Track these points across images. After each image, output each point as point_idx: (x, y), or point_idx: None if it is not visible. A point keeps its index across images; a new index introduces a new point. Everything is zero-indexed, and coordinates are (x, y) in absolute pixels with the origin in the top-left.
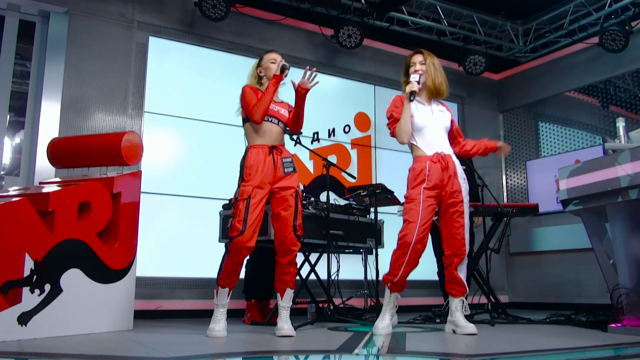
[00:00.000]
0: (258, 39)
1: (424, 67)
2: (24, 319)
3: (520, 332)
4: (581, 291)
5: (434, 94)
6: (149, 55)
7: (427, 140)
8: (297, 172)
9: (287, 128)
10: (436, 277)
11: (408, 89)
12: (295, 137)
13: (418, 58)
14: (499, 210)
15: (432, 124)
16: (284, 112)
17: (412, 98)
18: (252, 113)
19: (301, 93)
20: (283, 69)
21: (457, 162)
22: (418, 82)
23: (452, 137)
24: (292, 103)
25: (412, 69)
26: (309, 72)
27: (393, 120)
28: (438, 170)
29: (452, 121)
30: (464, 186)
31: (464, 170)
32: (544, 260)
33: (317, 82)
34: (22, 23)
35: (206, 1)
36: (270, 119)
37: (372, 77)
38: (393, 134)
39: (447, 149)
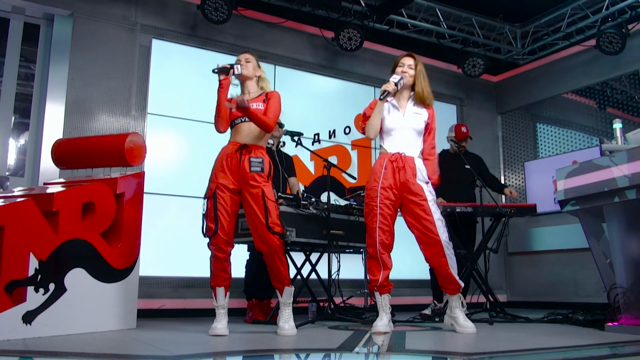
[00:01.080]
0: (259, 42)
1: (413, 72)
2: (28, 317)
3: (518, 331)
4: (578, 290)
5: (419, 101)
6: (152, 58)
7: (393, 140)
8: (266, 172)
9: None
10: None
11: (383, 87)
12: (296, 138)
13: (408, 61)
14: (498, 211)
15: (401, 127)
16: (257, 106)
17: (382, 97)
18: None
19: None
20: (221, 72)
21: (419, 165)
22: (396, 84)
23: (424, 139)
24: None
25: (399, 69)
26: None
27: (365, 118)
28: (393, 170)
29: (428, 125)
30: (426, 187)
31: (467, 170)
32: (542, 259)
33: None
34: (26, 26)
35: (208, 4)
36: (243, 120)
37: (372, 79)
38: (363, 131)
39: (411, 151)
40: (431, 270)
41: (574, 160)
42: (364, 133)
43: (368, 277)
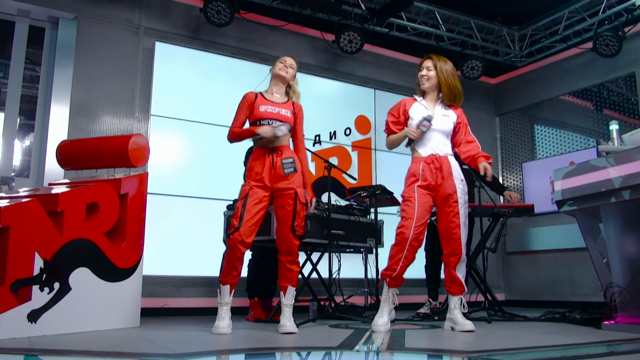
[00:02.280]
0: (261, 44)
1: (433, 73)
2: (33, 316)
3: (516, 329)
4: (575, 289)
5: (447, 101)
6: (155, 60)
7: (425, 142)
8: (299, 172)
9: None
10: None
11: (416, 122)
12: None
13: (427, 63)
14: (496, 211)
15: (433, 128)
16: (286, 113)
17: (423, 129)
18: (229, 132)
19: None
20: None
21: (453, 163)
22: (428, 123)
23: (457, 140)
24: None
25: (420, 72)
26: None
27: (391, 125)
28: (431, 170)
29: (457, 124)
30: (460, 187)
31: (466, 170)
32: (540, 259)
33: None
34: (32, 29)
35: (211, 7)
36: (270, 122)
37: (372, 81)
38: (387, 134)
39: (444, 151)
40: (426, 268)
41: (571, 161)
42: (387, 133)
43: (387, 265)
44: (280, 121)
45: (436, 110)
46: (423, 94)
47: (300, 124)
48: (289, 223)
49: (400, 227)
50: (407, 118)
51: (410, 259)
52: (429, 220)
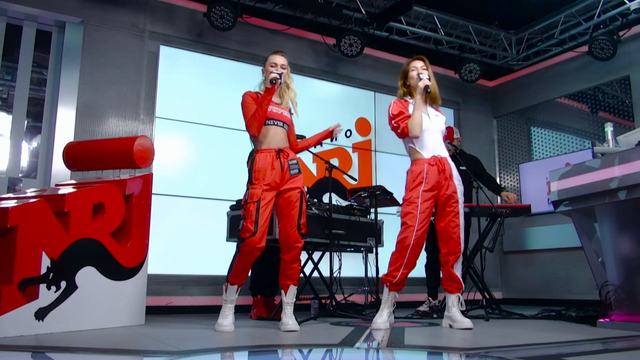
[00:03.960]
0: (264, 48)
1: (428, 73)
2: (41, 314)
3: (513, 327)
4: (571, 288)
5: (431, 101)
6: (159, 64)
7: (425, 143)
8: (302, 172)
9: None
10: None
11: (422, 83)
12: (298, 140)
13: (419, 64)
14: (493, 211)
15: (430, 128)
16: (287, 114)
17: (429, 91)
18: (248, 126)
19: (328, 137)
20: (272, 82)
21: (452, 164)
22: (429, 79)
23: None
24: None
25: (414, 72)
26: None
27: (404, 117)
28: (435, 173)
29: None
30: (459, 188)
31: (462, 171)
32: (536, 258)
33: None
34: (39, 33)
35: (214, 12)
36: (275, 122)
37: (372, 84)
38: (404, 129)
39: (443, 152)
40: (426, 267)
41: (567, 162)
42: (401, 132)
43: (387, 271)
44: (284, 122)
45: (430, 112)
46: (408, 94)
47: (293, 123)
48: (295, 221)
49: (401, 234)
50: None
51: (411, 266)
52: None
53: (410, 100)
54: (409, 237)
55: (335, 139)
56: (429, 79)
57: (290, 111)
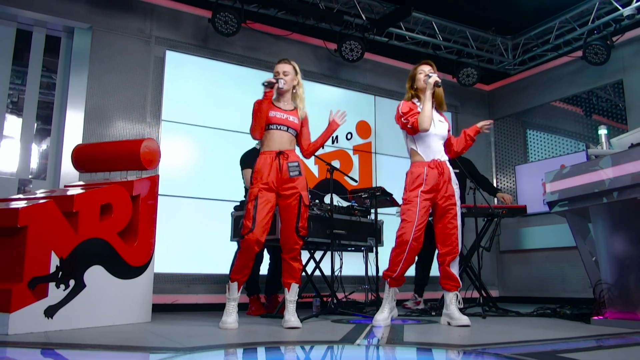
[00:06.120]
0: (267, 53)
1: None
2: (50, 312)
3: (509, 324)
4: (566, 286)
5: (437, 106)
6: (165, 68)
7: (426, 146)
8: (303, 175)
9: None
10: (431, 273)
11: (432, 80)
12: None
13: (427, 68)
14: (490, 211)
15: (433, 133)
16: (293, 119)
17: (439, 84)
18: (250, 130)
19: (334, 127)
20: (269, 86)
21: (451, 168)
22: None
23: (447, 145)
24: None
25: (421, 75)
26: (340, 113)
27: (414, 113)
28: (435, 175)
29: (448, 131)
30: (457, 190)
31: (456, 173)
32: (532, 257)
33: (344, 121)
34: (48, 38)
35: (219, 18)
36: (279, 127)
37: (372, 88)
38: (414, 124)
39: (443, 156)
40: (417, 265)
41: (561, 164)
42: (411, 127)
43: (387, 266)
44: (289, 127)
45: (435, 117)
46: (415, 97)
47: (307, 134)
48: (293, 224)
49: (400, 230)
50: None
51: (410, 261)
52: None
53: (418, 103)
54: (408, 232)
55: (343, 121)
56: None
57: (300, 118)
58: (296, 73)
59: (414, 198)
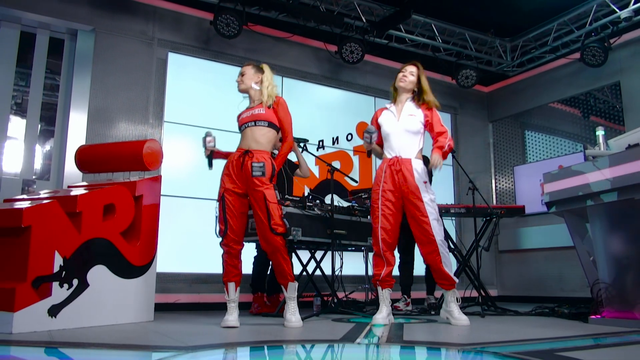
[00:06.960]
0: (268, 55)
1: (413, 78)
2: (53, 311)
3: (508, 323)
4: (564, 286)
5: (417, 99)
6: (168, 70)
7: (390, 145)
8: (267, 175)
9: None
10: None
11: (365, 147)
12: (302, 144)
13: (411, 68)
14: (489, 212)
15: (397, 131)
16: (259, 111)
17: (369, 155)
18: None
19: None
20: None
21: (415, 164)
22: (370, 142)
23: (432, 136)
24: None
25: (400, 74)
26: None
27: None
28: (392, 173)
29: (427, 122)
30: (423, 187)
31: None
32: (530, 257)
33: None
34: (52, 40)
35: (220, 20)
36: (247, 125)
37: (372, 90)
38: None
39: (407, 153)
40: (399, 268)
41: (559, 165)
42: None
43: (372, 272)
44: (257, 120)
45: (404, 110)
46: (394, 98)
47: (283, 115)
48: (266, 224)
49: (372, 239)
50: (379, 126)
51: (390, 262)
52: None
53: (388, 106)
54: (376, 236)
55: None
56: (371, 141)
57: (269, 106)
58: (262, 72)
59: (376, 200)
